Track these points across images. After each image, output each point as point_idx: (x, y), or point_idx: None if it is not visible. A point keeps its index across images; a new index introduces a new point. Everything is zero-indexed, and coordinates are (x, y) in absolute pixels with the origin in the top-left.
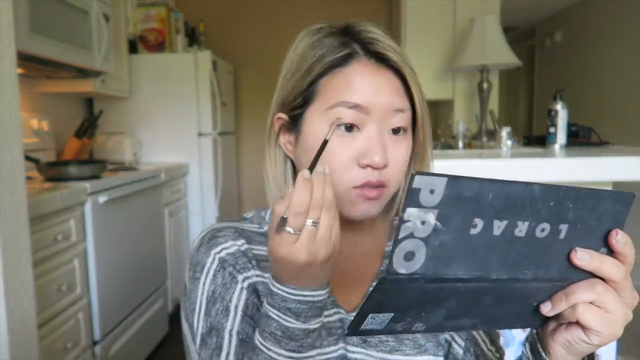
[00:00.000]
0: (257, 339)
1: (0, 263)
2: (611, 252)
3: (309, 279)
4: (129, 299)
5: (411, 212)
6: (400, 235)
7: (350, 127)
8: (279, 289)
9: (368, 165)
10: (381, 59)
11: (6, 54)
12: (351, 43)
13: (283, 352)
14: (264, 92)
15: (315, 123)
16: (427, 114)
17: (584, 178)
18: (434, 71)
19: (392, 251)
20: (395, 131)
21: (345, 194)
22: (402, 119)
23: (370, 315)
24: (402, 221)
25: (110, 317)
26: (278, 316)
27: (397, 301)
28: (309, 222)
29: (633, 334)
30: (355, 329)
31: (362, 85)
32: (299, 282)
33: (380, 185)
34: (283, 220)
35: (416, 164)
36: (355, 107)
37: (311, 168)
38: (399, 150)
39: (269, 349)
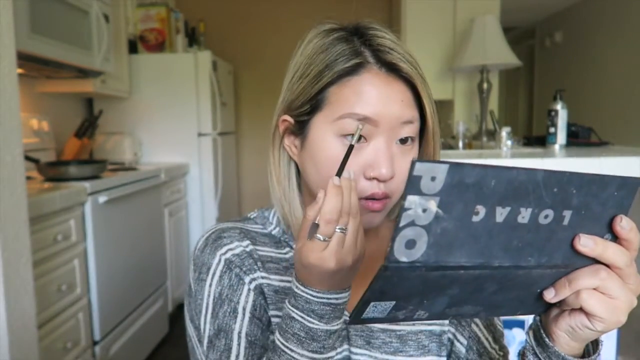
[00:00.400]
0: (279, 340)
1: (0, 263)
2: (616, 238)
3: (335, 284)
4: (129, 299)
5: (412, 199)
6: (401, 223)
7: (358, 138)
8: (303, 291)
9: (374, 178)
10: (393, 69)
11: (6, 54)
12: (362, 50)
13: (306, 352)
14: (264, 92)
15: (322, 132)
16: (437, 126)
17: None
18: (434, 71)
19: (393, 239)
20: (403, 140)
21: None
22: (411, 130)
23: (372, 304)
24: (403, 209)
25: (110, 317)
26: (302, 317)
27: (399, 289)
28: (338, 228)
29: (633, 333)
30: (356, 318)
31: (372, 97)
32: (324, 286)
33: (384, 197)
34: (315, 226)
35: None
36: (364, 119)
37: (338, 174)
38: (406, 161)
39: (292, 350)
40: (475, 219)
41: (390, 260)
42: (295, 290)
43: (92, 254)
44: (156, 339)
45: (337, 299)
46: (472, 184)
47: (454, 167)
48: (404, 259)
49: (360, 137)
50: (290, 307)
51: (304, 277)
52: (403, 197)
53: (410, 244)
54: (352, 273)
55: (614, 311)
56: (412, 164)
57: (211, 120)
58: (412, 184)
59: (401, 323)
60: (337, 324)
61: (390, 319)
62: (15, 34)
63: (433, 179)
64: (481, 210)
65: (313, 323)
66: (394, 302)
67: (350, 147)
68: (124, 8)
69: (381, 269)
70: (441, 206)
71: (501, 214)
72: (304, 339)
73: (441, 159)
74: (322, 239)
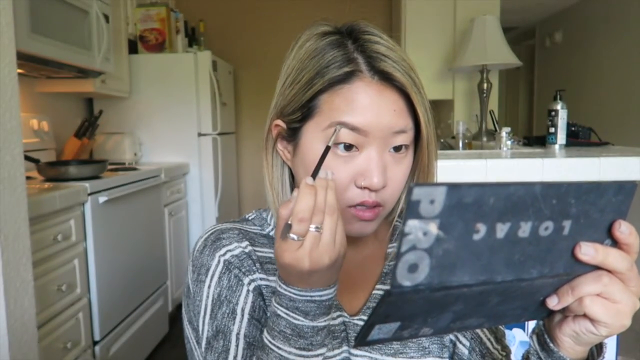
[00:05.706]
0: (266, 337)
1: (0, 263)
2: (616, 242)
3: (314, 282)
4: (129, 299)
5: (412, 224)
6: (403, 249)
7: (349, 147)
8: (285, 289)
9: (366, 187)
10: (386, 78)
11: (6, 54)
12: (355, 57)
13: (293, 350)
14: (264, 93)
15: (313, 140)
16: (432, 135)
17: (583, 178)
18: (434, 71)
19: (395, 265)
20: (397, 149)
21: (341, 212)
22: (404, 138)
23: (376, 327)
24: (403, 234)
25: (110, 317)
26: (287, 314)
27: (403, 311)
28: (312, 227)
29: (633, 333)
30: (362, 340)
31: (363, 107)
32: (305, 284)
33: (376, 206)
34: (288, 226)
35: (419, 180)
36: (355, 129)
37: (314, 174)
38: (399, 170)
39: (279, 348)
40: (476, 237)
41: (393, 286)
42: (279, 288)
43: (92, 254)
44: (156, 339)
45: (320, 296)
46: (471, 203)
47: (452, 188)
48: (407, 283)
49: (350, 145)
50: (275, 304)
51: (285, 276)
52: (403, 223)
53: (413, 268)
54: (332, 271)
55: (618, 315)
56: (410, 189)
57: (211, 121)
58: (411, 209)
59: None
60: (324, 321)
61: (396, 338)
62: (15, 34)
63: (432, 202)
64: (482, 228)
65: (298, 320)
66: (399, 323)
67: (327, 149)
68: (124, 8)
69: (384, 294)
70: (442, 228)
71: (502, 230)
72: (290, 336)
73: (438, 182)
74: (295, 238)
